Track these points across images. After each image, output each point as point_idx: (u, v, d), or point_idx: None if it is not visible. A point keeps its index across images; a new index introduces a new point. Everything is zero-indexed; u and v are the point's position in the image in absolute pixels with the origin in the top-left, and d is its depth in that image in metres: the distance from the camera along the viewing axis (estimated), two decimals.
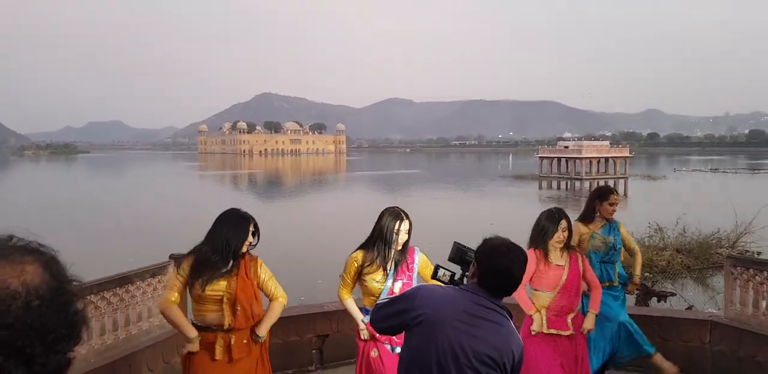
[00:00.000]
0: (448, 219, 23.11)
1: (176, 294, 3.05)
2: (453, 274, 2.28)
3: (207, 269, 2.98)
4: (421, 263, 3.39)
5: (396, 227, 3.26)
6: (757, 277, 4.74)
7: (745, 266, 4.87)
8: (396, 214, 3.30)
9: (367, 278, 3.29)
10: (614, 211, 4.50)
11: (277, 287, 3.20)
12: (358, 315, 3.35)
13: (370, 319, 2.08)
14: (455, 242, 2.32)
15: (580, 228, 4.48)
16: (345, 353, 4.94)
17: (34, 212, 29.38)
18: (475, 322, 1.92)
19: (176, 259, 4.63)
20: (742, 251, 12.89)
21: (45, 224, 24.55)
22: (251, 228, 3.05)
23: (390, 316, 2.04)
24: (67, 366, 0.75)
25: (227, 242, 2.97)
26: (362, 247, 3.34)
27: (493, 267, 1.95)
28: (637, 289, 5.82)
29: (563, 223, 3.71)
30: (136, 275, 4.39)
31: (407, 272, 3.33)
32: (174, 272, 3.12)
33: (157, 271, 4.58)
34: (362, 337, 3.34)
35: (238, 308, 3.01)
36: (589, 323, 3.82)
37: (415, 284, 3.32)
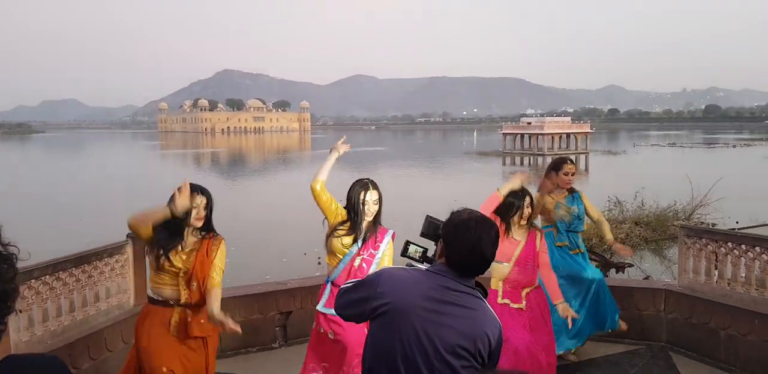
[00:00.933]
0: (412, 197, 23.22)
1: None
2: (425, 250, 2.07)
3: (159, 242, 2.92)
4: (388, 247, 3.38)
5: (362, 197, 3.26)
6: (709, 246, 4.90)
7: (698, 236, 5.02)
8: (363, 184, 3.30)
9: (337, 237, 3.30)
10: (570, 181, 4.54)
11: (219, 275, 3.02)
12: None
13: (335, 305, 1.93)
14: (427, 215, 2.11)
15: (544, 198, 4.53)
16: (309, 329, 4.94)
17: None
18: (442, 309, 1.72)
19: (134, 238, 4.51)
20: (697, 222, 13.36)
21: (3, 202, 23.78)
22: (197, 198, 2.92)
23: (352, 303, 1.85)
24: None
25: (172, 212, 2.87)
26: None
27: (461, 245, 1.73)
28: (595, 260, 5.97)
29: (527, 199, 3.76)
30: (93, 255, 4.26)
31: (370, 250, 3.32)
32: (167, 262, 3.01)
33: (114, 251, 4.45)
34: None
35: (194, 284, 2.95)
36: (565, 311, 3.66)
37: (373, 267, 3.31)
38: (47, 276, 3.88)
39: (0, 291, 0.62)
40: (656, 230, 13.83)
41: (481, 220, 1.78)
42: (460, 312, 1.72)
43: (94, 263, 4.26)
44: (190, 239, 3.00)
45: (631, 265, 10.99)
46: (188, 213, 2.92)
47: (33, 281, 3.79)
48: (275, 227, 17.90)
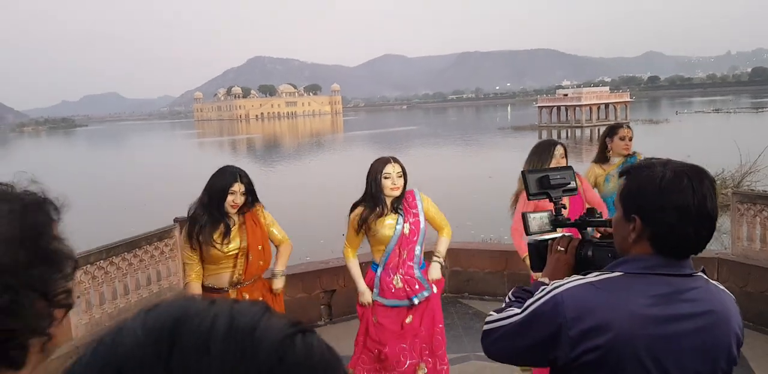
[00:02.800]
0: (446, 175, 23.07)
1: (193, 274, 3.01)
2: (550, 213, 1.64)
3: (203, 229, 2.92)
4: (424, 203, 3.32)
5: (383, 170, 3.16)
6: (764, 212, 4.71)
7: (752, 202, 4.84)
8: (382, 159, 3.23)
9: (372, 229, 3.24)
10: (628, 146, 4.21)
11: (280, 231, 3.21)
12: (359, 280, 3.31)
13: (484, 347, 1.42)
14: (523, 171, 1.72)
15: (594, 169, 4.31)
16: (353, 307, 5.01)
17: (47, 184, 29.44)
18: (674, 329, 1.20)
19: (181, 222, 4.62)
20: (747, 190, 12.88)
21: (58, 193, 24.71)
22: (236, 180, 2.92)
23: (523, 352, 1.32)
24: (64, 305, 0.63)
25: (209, 195, 2.90)
26: (359, 202, 3.28)
27: (677, 213, 1.18)
28: None
29: (560, 149, 3.57)
30: (143, 240, 4.40)
31: (412, 212, 3.27)
32: (184, 249, 3.03)
33: (163, 235, 4.58)
34: (361, 302, 3.30)
35: (251, 257, 2.99)
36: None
37: (422, 225, 3.27)
38: (102, 261, 4.02)
39: (63, 288, 0.61)
40: None
41: (691, 169, 1.22)
42: (697, 324, 1.22)
43: (145, 247, 4.39)
44: (231, 222, 2.99)
45: None
46: (222, 201, 2.89)
47: (89, 266, 3.94)
48: (312, 209, 18.10)
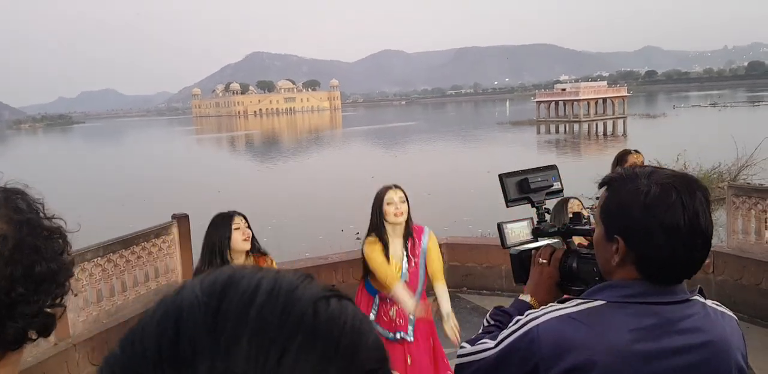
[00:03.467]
0: (444, 170, 23.08)
1: None
2: (531, 220, 1.47)
3: None
4: (430, 243, 3.26)
5: (384, 197, 3.13)
6: (759, 205, 4.73)
7: (747, 195, 4.86)
8: (385, 187, 3.20)
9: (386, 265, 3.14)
10: None
11: None
12: (406, 297, 3.12)
13: None
14: (501, 175, 1.46)
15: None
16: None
17: (39, 182, 29.45)
18: (662, 363, 1.05)
19: (179, 219, 4.63)
20: (743, 183, 12.91)
21: (51, 192, 24.73)
22: (235, 223, 2.83)
23: None
24: (48, 324, 0.64)
25: (213, 243, 2.82)
26: (371, 231, 3.20)
27: (664, 230, 1.03)
28: None
29: (574, 203, 3.31)
30: (140, 237, 4.40)
31: (413, 255, 3.21)
32: None
33: (160, 232, 4.59)
34: (409, 311, 3.15)
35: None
36: None
37: (421, 268, 3.21)
38: (99, 258, 4.03)
39: (47, 269, 0.61)
40: None
41: (680, 181, 1.07)
42: (692, 358, 1.07)
43: (142, 244, 4.40)
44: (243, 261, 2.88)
45: None
46: (227, 242, 2.80)
47: (86, 263, 3.94)
48: (311, 206, 18.10)
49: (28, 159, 53.23)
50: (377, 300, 3.25)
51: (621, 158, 4.17)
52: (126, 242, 4.24)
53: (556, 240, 1.44)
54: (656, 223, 1.03)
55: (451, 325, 3.15)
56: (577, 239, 1.45)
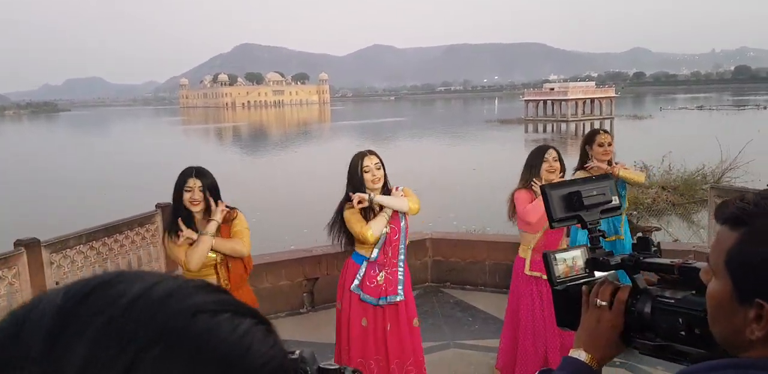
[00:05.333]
0: (431, 166, 23.13)
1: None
2: (586, 249, 1.13)
3: (170, 234, 2.83)
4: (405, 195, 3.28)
5: (361, 163, 3.14)
6: None
7: (729, 196, 4.93)
8: (359, 153, 3.21)
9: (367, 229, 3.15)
10: (608, 152, 4.14)
11: (245, 237, 2.92)
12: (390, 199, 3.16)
13: None
14: (543, 186, 1.16)
15: (580, 176, 4.13)
16: (335, 295, 5.04)
17: (26, 169, 29.18)
18: None
19: (163, 208, 4.60)
20: (726, 185, 13.09)
21: (36, 179, 24.58)
22: (188, 185, 2.78)
23: None
24: None
25: (172, 198, 2.83)
26: (346, 200, 3.21)
27: None
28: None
29: (552, 152, 3.53)
30: (124, 225, 4.37)
31: (394, 221, 3.24)
32: (170, 245, 2.88)
33: (144, 220, 4.56)
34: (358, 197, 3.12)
35: (230, 265, 2.88)
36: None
37: (402, 224, 3.25)
38: (81, 246, 4.00)
39: None
40: (684, 195, 13.61)
41: None
42: None
43: (126, 232, 4.37)
44: (202, 226, 2.84)
45: (658, 229, 10.88)
46: (179, 202, 2.78)
47: (68, 250, 3.91)
48: (296, 198, 18.07)
49: (12, 146, 52.46)
50: (364, 266, 3.26)
51: (590, 137, 4.21)
52: (109, 230, 4.22)
53: (609, 273, 1.10)
54: None
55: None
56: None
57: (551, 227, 1.15)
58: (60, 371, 0.29)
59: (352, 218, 3.16)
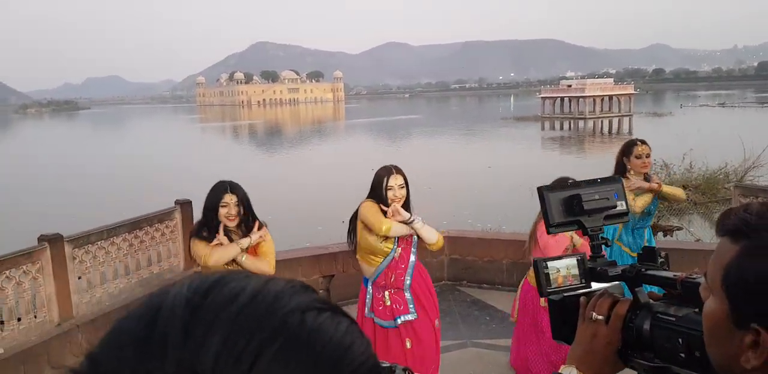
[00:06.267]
0: (446, 165, 23.04)
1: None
2: (582, 259, 1.03)
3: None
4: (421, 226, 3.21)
5: (386, 182, 3.11)
6: None
7: (755, 195, 4.85)
8: (386, 169, 3.16)
9: (372, 235, 3.13)
10: (646, 165, 3.94)
11: (271, 258, 2.98)
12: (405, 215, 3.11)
13: None
14: (542, 188, 1.06)
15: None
16: (351, 292, 5.05)
17: (50, 166, 29.75)
18: None
19: (182, 204, 4.63)
20: (750, 184, 12.85)
21: (58, 175, 25.03)
22: (224, 200, 2.81)
23: None
24: None
25: (205, 211, 2.85)
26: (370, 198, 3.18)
27: None
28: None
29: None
30: (144, 221, 4.41)
31: (407, 238, 3.20)
32: (195, 240, 2.89)
33: (163, 217, 4.60)
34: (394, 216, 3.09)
35: None
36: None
37: (412, 258, 3.20)
38: (102, 241, 4.04)
39: None
40: (705, 194, 13.39)
41: None
42: None
43: (146, 228, 4.41)
44: (236, 238, 2.88)
45: (679, 228, 10.74)
46: (214, 215, 2.81)
47: (89, 246, 3.95)
48: (311, 196, 18.13)
49: (35, 143, 53.33)
50: (370, 290, 3.23)
51: (627, 149, 4.02)
52: (130, 226, 4.26)
53: (613, 284, 0.99)
54: None
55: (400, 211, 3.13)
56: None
57: (548, 232, 1.06)
58: (197, 359, 0.32)
59: (372, 209, 3.10)
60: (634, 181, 3.90)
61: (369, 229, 3.13)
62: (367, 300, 3.23)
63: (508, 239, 5.84)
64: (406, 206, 3.16)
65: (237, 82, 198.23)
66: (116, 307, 4.03)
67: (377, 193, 3.14)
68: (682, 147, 16.39)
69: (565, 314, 1.00)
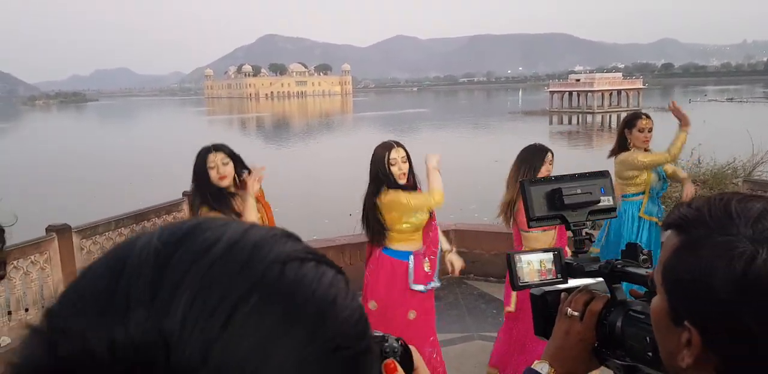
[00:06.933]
0: (453, 158, 22.94)
1: None
2: (558, 253, 1.00)
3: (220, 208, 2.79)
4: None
5: (387, 156, 3.00)
6: None
7: (764, 190, 4.82)
8: (385, 145, 3.06)
9: (408, 214, 3.09)
10: (647, 139, 3.94)
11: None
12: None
13: None
14: (524, 181, 1.03)
15: (635, 156, 3.90)
16: (358, 284, 5.05)
17: (57, 157, 29.95)
18: None
19: (189, 196, 4.65)
20: (759, 179, 12.75)
21: (67, 166, 25.19)
22: (209, 161, 2.77)
23: None
24: None
25: (195, 183, 2.85)
26: (382, 185, 3.07)
27: None
28: None
29: (549, 156, 3.34)
30: (152, 212, 4.43)
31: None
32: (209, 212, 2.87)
33: (171, 208, 4.61)
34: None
35: None
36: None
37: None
38: (110, 232, 4.06)
39: None
40: (713, 189, 13.27)
41: None
42: None
43: (153, 220, 4.42)
44: (240, 202, 2.83)
45: None
46: (206, 179, 2.77)
47: (97, 236, 3.97)
48: (319, 189, 18.16)
49: (43, 135, 53.62)
50: (412, 261, 3.16)
51: (630, 121, 3.98)
52: (137, 217, 4.28)
53: (597, 281, 0.95)
54: (764, 318, 0.57)
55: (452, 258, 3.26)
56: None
57: (529, 226, 1.03)
58: (166, 315, 0.29)
59: (402, 194, 3.00)
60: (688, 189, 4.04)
61: (401, 213, 3.05)
62: (410, 273, 3.15)
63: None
64: (412, 180, 3.10)
65: (245, 75, 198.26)
66: None
67: (380, 170, 3.01)
68: (690, 142, 16.20)
69: (545, 309, 0.99)
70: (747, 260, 0.57)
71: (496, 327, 4.58)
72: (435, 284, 3.24)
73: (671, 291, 0.65)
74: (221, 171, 2.79)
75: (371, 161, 3.07)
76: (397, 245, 3.15)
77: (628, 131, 3.96)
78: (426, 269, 3.21)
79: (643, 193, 3.95)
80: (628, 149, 3.93)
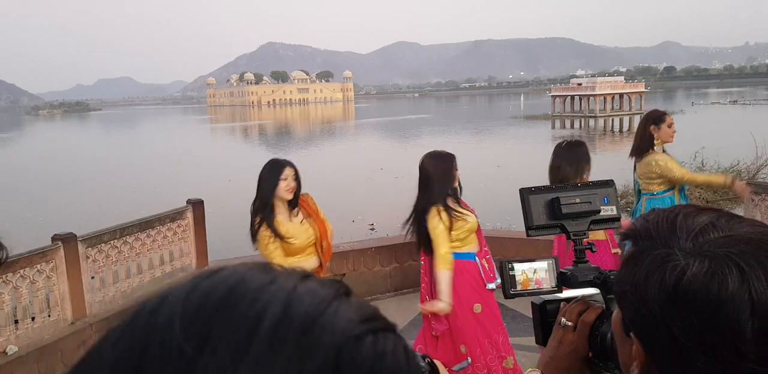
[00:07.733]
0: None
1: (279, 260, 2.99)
2: (554, 262, 1.01)
3: (275, 221, 2.96)
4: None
5: (455, 164, 3.28)
6: None
7: (767, 193, 4.80)
8: (436, 155, 3.31)
9: (458, 227, 3.15)
10: (673, 133, 3.94)
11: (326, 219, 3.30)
12: (449, 289, 3.11)
13: None
14: (523, 190, 1.05)
15: (657, 155, 3.86)
16: (362, 291, 5.06)
17: (62, 167, 30.10)
18: None
19: (194, 204, 4.67)
20: (763, 182, 12.73)
21: (71, 175, 25.30)
22: (284, 174, 2.98)
23: None
24: None
25: (261, 189, 2.98)
26: (428, 202, 3.16)
27: (718, 345, 0.54)
28: None
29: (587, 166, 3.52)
30: (156, 220, 4.45)
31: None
32: (265, 244, 2.97)
33: (175, 216, 4.63)
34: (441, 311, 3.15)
35: (324, 244, 3.12)
36: None
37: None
38: (115, 240, 4.08)
39: None
40: (717, 192, 13.28)
41: (756, 247, 0.56)
42: None
43: (158, 228, 4.44)
44: (284, 212, 3.04)
45: None
46: (272, 190, 2.94)
47: (102, 245, 3.99)
48: (321, 196, 18.14)
49: (47, 145, 53.89)
50: (478, 261, 3.24)
51: (658, 117, 3.93)
52: (142, 226, 4.30)
53: (597, 291, 0.93)
54: (693, 333, 0.55)
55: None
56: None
57: (528, 235, 1.04)
58: None
59: (443, 226, 3.12)
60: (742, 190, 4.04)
61: (452, 224, 3.14)
62: (481, 272, 3.22)
63: (519, 238, 5.83)
64: (457, 191, 3.33)
65: (247, 83, 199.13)
66: (128, 306, 4.07)
67: (433, 177, 3.21)
68: (693, 145, 16.25)
69: (544, 320, 0.98)
70: (678, 274, 0.57)
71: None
72: (495, 284, 3.28)
73: (619, 301, 0.65)
74: (292, 184, 3.01)
75: (422, 165, 3.24)
76: (460, 248, 3.23)
77: (655, 127, 3.91)
78: (487, 267, 3.30)
79: (672, 189, 3.94)
80: (652, 147, 3.90)
